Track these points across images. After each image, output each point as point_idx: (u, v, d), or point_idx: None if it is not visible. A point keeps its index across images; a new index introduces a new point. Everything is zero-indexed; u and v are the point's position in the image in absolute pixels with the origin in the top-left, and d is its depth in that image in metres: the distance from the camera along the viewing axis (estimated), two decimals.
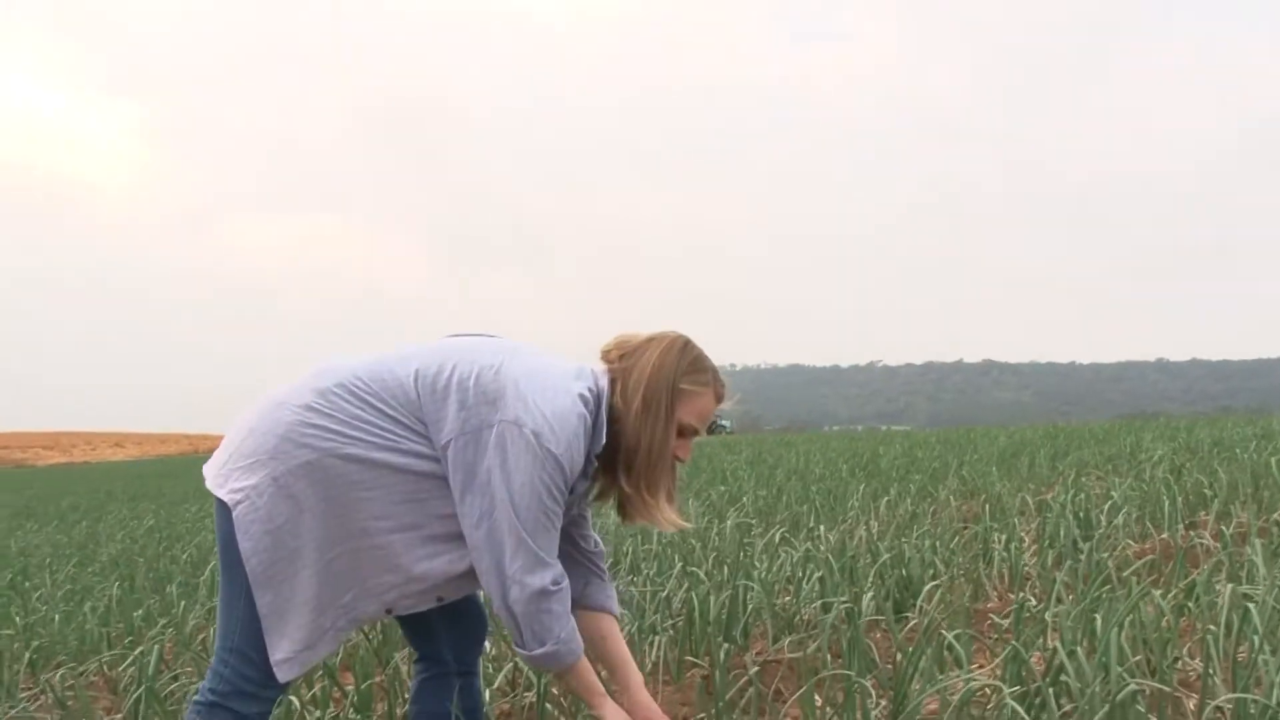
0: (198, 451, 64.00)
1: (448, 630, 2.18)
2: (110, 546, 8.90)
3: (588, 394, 1.92)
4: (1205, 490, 5.74)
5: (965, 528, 5.38)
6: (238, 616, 1.90)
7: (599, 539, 2.22)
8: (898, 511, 6.21)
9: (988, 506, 5.61)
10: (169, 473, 30.13)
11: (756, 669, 2.82)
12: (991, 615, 3.48)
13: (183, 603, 4.67)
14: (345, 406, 1.88)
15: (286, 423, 1.88)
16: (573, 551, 2.13)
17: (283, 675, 1.88)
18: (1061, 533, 4.80)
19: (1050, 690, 2.36)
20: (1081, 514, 5.05)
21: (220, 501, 1.89)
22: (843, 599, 3.46)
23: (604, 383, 1.98)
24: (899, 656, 2.64)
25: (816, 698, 2.63)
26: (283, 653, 1.87)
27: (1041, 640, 2.87)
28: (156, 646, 3.59)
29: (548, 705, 2.93)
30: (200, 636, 4.41)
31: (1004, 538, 4.56)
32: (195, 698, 1.95)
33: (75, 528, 11.91)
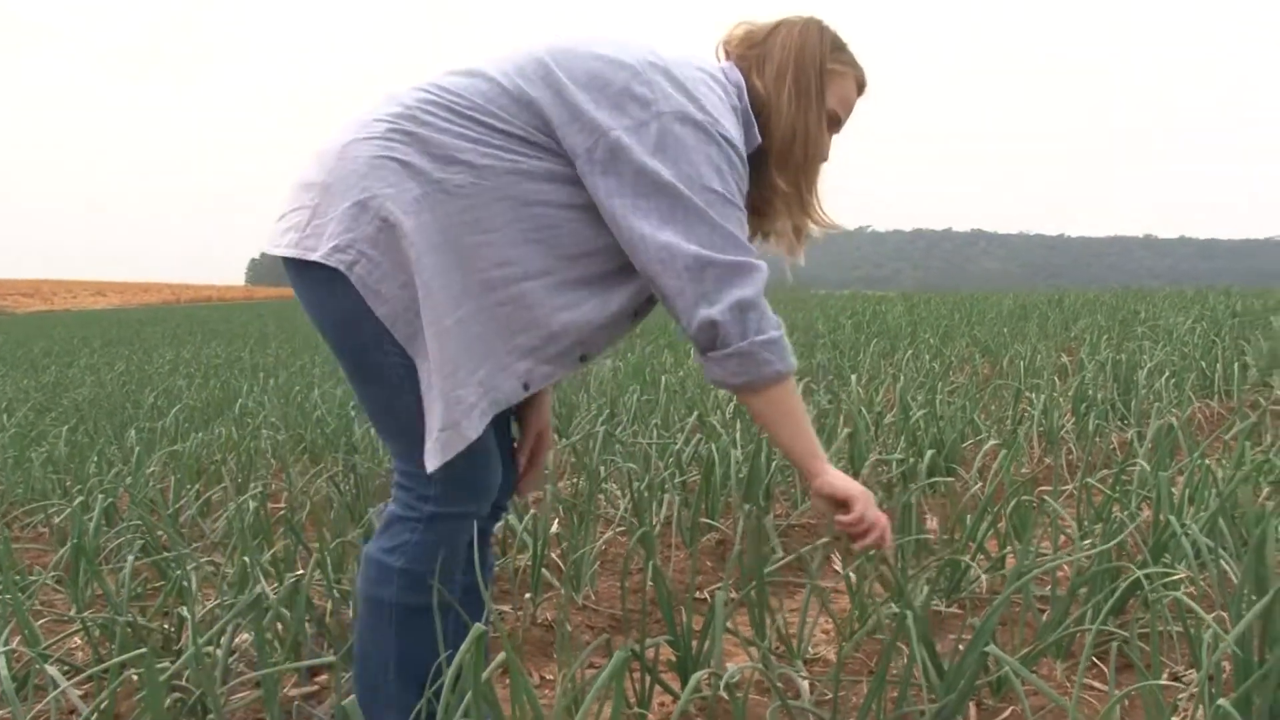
0: (179, 300, 63.14)
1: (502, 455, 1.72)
2: (76, 392, 8.49)
3: (731, 87, 1.60)
4: (1246, 358, 5.39)
5: (988, 385, 5.02)
6: (409, 409, 1.48)
7: None
8: (916, 368, 5.83)
9: (1021, 365, 5.21)
10: (149, 319, 29.65)
11: (826, 540, 2.42)
12: (1042, 485, 3.11)
13: (137, 450, 4.25)
14: (443, 125, 1.46)
15: (367, 158, 1.44)
16: None
17: (431, 462, 1.46)
18: (1099, 396, 4.46)
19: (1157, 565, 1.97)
20: (1121, 376, 4.69)
21: (317, 271, 1.45)
22: (884, 457, 3.06)
23: (736, 74, 1.64)
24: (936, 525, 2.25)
25: (847, 573, 2.24)
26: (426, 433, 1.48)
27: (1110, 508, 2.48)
28: (101, 496, 3.19)
29: (544, 570, 2.55)
30: (159, 485, 4.02)
31: (1039, 398, 4.17)
32: (395, 509, 1.56)
33: (45, 373, 11.48)
